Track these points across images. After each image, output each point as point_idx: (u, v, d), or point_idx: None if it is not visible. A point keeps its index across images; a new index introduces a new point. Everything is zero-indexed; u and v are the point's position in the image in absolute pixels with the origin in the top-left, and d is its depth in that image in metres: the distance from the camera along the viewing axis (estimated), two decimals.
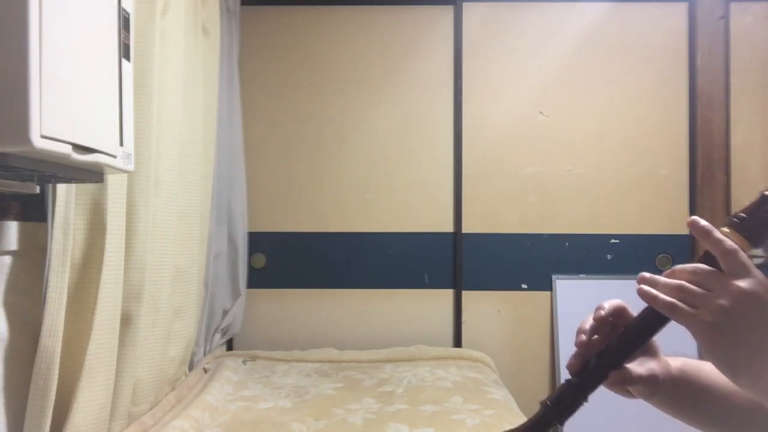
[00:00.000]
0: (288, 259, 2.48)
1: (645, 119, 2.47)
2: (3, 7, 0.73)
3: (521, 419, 1.59)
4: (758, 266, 0.57)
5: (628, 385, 0.65)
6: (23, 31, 0.73)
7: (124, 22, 0.98)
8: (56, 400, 1.10)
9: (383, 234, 2.47)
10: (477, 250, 2.46)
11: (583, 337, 0.65)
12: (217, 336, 2.22)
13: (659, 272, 0.62)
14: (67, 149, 0.82)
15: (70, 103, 0.82)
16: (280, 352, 2.27)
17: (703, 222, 0.58)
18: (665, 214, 2.46)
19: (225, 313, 2.25)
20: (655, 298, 0.59)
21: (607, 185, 2.46)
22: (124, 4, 0.98)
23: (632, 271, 2.39)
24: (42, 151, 0.76)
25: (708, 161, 2.43)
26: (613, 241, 2.45)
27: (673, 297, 0.58)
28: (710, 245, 0.58)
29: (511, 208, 2.47)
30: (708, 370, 0.71)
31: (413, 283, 2.47)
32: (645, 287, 0.60)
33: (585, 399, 0.64)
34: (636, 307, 0.66)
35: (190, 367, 1.93)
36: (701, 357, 0.69)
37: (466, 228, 2.46)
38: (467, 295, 2.46)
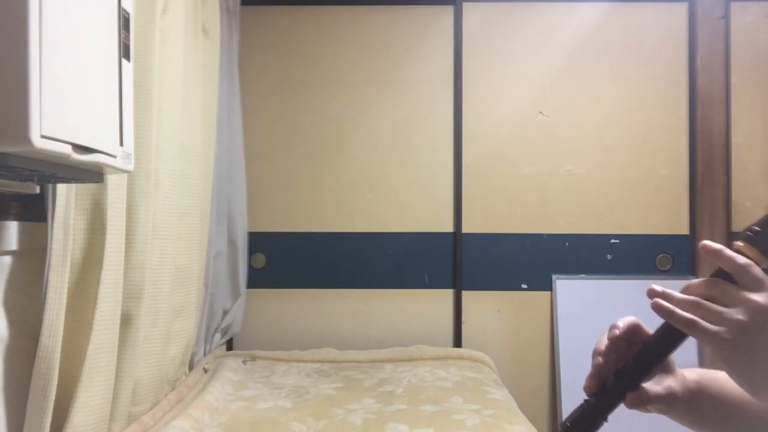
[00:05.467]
0: (288, 259, 2.48)
1: (645, 119, 2.47)
2: (3, 7, 0.73)
3: (521, 419, 1.59)
4: None
5: (646, 405, 0.65)
6: (23, 31, 0.73)
7: (124, 22, 0.98)
8: (56, 400, 1.10)
9: (383, 234, 2.47)
10: (477, 250, 2.46)
11: (600, 359, 0.65)
12: (217, 336, 2.22)
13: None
14: (67, 149, 0.82)
15: (70, 103, 0.82)
16: (280, 352, 2.28)
17: (712, 244, 0.59)
18: (665, 214, 2.46)
19: (225, 313, 2.25)
20: (672, 313, 0.58)
21: (607, 185, 2.46)
22: (124, 4, 0.98)
23: (632, 272, 2.41)
24: (42, 151, 0.76)
25: (708, 161, 2.43)
26: (613, 241, 2.45)
27: (688, 310, 0.58)
28: (723, 263, 0.58)
29: (511, 208, 2.47)
30: (724, 380, 0.70)
31: (413, 283, 2.47)
32: (660, 302, 0.59)
33: (605, 419, 0.63)
34: (641, 309, 0.66)
35: (190, 367, 1.93)
36: (703, 365, 0.69)
37: (466, 228, 2.46)
38: (467, 295, 2.46)
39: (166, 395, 1.64)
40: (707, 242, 0.59)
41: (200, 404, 1.60)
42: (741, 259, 0.57)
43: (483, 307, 2.46)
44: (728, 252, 0.58)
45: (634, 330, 0.66)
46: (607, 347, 0.66)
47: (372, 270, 2.47)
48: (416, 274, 2.47)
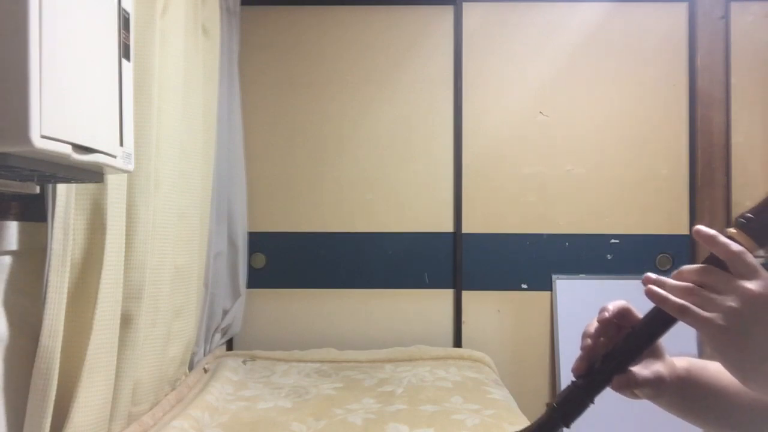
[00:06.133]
0: (288, 259, 2.48)
1: (645, 119, 2.47)
2: (3, 7, 0.73)
3: (521, 419, 1.59)
4: (764, 266, 0.57)
5: (633, 388, 0.65)
6: (23, 31, 0.73)
7: (124, 22, 0.98)
8: (56, 400, 1.10)
9: (383, 234, 2.47)
10: (477, 250, 2.46)
11: (589, 341, 0.65)
12: (217, 336, 2.22)
13: (659, 272, 0.62)
14: (67, 149, 0.82)
15: (70, 103, 0.82)
16: (280, 352, 2.27)
17: (706, 229, 0.59)
18: (665, 214, 2.46)
19: (225, 313, 2.25)
20: (664, 299, 0.58)
21: (607, 185, 2.46)
22: (124, 4, 0.98)
23: (632, 271, 2.41)
24: (42, 151, 0.76)
25: (708, 161, 2.43)
26: (613, 241, 2.45)
27: (681, 299, 0.58)
28: (717, 250, 0.58)
29: (511, 208, 2.47)
30: (713, 369, 0.70)
31: (413, 283, 2.47)
32: (653, 288, 0.60)
33: (591, 401, 0.63)
34: (639, 307, 0.66)
35: (190, 367, 1.93)
36: (701, 356, 0.69)
37: (466, 228, 2.46)
38: (467, 295, 2.46)
39: (166, 395, 1.64)
40: (701, 227, 0.59)
41: (200, 404, 1.60)
42: (735, 246, 0.57)
43: (483, 307, 2.46)
44: (722, 238, 0.58)
45: (623, 313, 0.66)
46: (597, 330, 0.66)
47: (372, 270, 2.47)
48: (416, 274, 2.47)
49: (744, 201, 2.42)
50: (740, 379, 0.58)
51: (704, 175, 2.43)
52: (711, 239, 0.58)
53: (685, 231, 2.45)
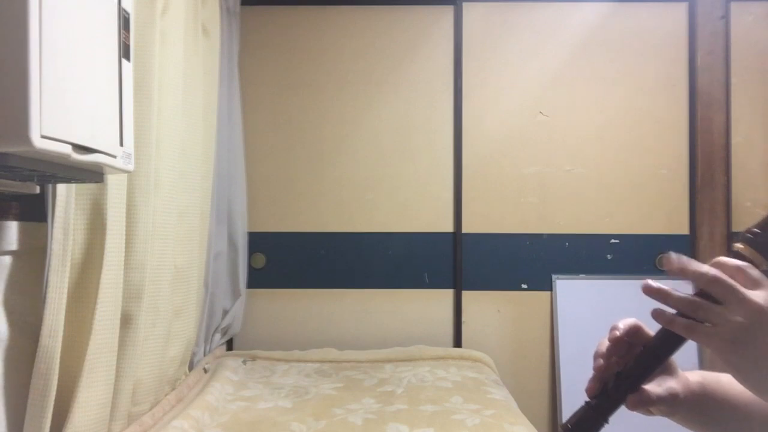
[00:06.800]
0: (288, 259, 2.48)
1: (645, 119, 2.47)
2: (3, 7, 0.73)
3: (521, 419, 1.59)
4: None
5: (648, 406, 0.65)
6: (23, 31, 0.73)
7: (124, 22, 0.98)
8: (56, 400, 1.10)
9: (383, 234, 2.47)
10: (477, 250, 2.46)
11: (601, 361, 0.65)
12: (217, 336, 2.22)
13: (659, 273, 0.62)
14: (67, 149, 0.82)
15: (70, 103, 0.82)
16: (280, 352, 2.28)
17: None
18: (665, 214, 2.46)
19: (225, 313, 2.25)
20: (671, 321, 0.58)
21: (607, 185, 2.46)
22: (124, 4, 0.98)
23: (632, 272, 2.41)
24: (42, 151, 0.76)
25: (708, 161, 2.43)
26: (613, 241, 2.45)
27: (686, 311, 0.58)
28: (693, 279, 0.58)
29: (511, 208, 2.47)
30: (726, 382, 0.70)
31: (413, 283, 2.47)
32: (660, 310, 0.59)
33: (605, 421, 0.63)
34: (641, 309, 0.66)
35: (190, 367, 1.93)
36: (703, 367, 0.69)
37: (466, 228, 2.46)
38: (467, 295, 2.46)
39: (166, 395, 1.64)
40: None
41: (200, 404, 1.60)
42: (712, 271, 0.57)
43: (483, 307, 2.46)
44: (694, 266, 0.58)
45: (634, 332, 0.66)
46: (608, 349, 0.66)
47: (372, 270, 2.47)
48: (416, 274, 2.47)
49: (744, 201, 2.42)
50: (753, 391, 0.58)
51: (704, 175, 2.43)
52: (682, 271, 0.58)
53: (685, 231, 2.45)
